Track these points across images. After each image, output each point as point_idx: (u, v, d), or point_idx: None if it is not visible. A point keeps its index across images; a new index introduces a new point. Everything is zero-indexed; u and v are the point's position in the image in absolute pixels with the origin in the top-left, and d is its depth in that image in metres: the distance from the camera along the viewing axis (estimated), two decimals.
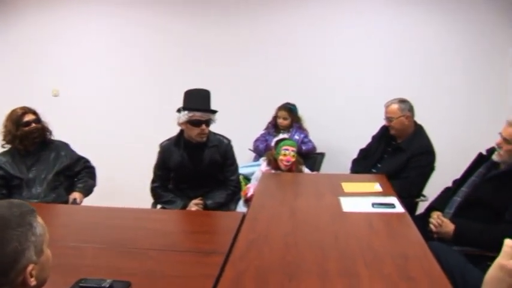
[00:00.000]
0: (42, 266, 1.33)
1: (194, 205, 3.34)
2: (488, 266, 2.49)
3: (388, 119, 3.76)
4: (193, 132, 3.33)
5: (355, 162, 4.11)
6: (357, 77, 4.81)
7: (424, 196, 3.75)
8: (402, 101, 3.74)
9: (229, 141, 3.53)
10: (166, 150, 3.46)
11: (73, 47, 5.23)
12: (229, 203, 3.51)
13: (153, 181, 3.52)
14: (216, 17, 4.94)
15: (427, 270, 1.93)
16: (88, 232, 2.46)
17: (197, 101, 3.31)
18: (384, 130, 3.93)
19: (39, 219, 1.36)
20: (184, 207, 3.34)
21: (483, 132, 4.54)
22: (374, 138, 4.05)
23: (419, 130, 3.78)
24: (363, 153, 4.09)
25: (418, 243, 2.24)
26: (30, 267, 1.26)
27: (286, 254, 2.08)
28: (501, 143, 2.82)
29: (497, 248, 2.62)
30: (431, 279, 1.84)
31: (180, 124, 3.35)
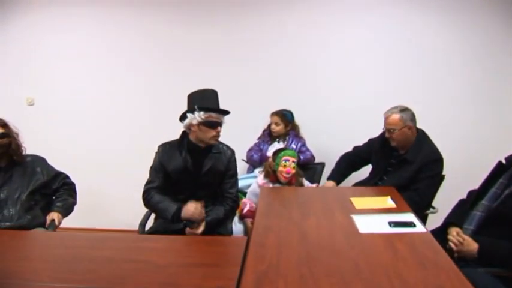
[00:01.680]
0: None
1: (194, 208, 2.92)
2: None
3: (389, 130, 3.44)
4: (207, 135, 3.05)
5: (343, 157, 3.88)
6: (356, 81, 4.53)
7: (433, 208, 3.50)
8: (403, 110, 3.43)
9: (233, 151, 3.27)
10: (166, 152, 3.15)
11: (50, 53, 4.85)
12: (227, 220, 3.20)
13: (149, 182, 3.14)
14: (205, 18, 4.61)
15: None
16: (67, 268, 2.09)
17: (212, 102, 3.06)
18: (384, 140, 3.63)
19: None
20: (179, 211, 2.93)
21: (489, 138, 4.36)
22: (372, 142, 3.76)
23: (422, 137, 3.50)
24: (356, 154, 3.84)
25: (452, 271, 1.96)
26: None
27: None
28: None
29: None
30: None
31: (190, 126, 3.06)
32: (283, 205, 2.96)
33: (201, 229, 2.94)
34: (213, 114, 3.01)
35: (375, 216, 2.64)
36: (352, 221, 2.55)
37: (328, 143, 4.43)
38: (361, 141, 3.86)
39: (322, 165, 4.22)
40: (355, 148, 3.85)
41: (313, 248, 2.20)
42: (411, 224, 2.50)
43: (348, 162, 3.82)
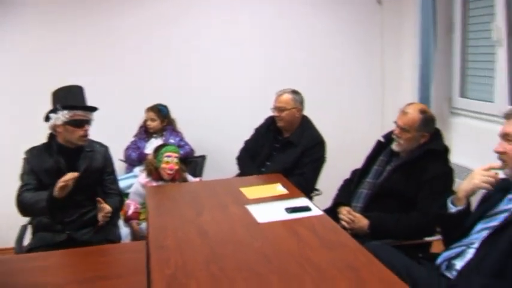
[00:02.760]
0: None
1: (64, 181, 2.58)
2: (420, 257, 2.38)
3: (279, 108, 3.46)
4: (74, 135, 2.77)
5: (242, 157, 3.73)
6: (233, 72, 4.44)
7: (317, 190, 3.57)
8: (295, 92, 3.51)
9: (106, 148, 3.03)
10: (35, 156, 2.81)
11: None
12: (115, 214, 2.95)
13: (22, 186, 2.77)
14: (72, 15, 4.16)
15: (383, 280, 1.71)
16: None
17: (76, 99, 2.79)
18: (269, 123, 3.64)
19: None
20: (52, 192, 2.61)
21: (365, 118, 4.59)
22: (258, 131, 3.73)
23: (306, 122, 3.57)
24: (250, 148, 3.74)
25: (357, 249, 2.01)
26: None
27: None
28: (399, 133, 2.74)
29: (414, 236, 2.56)
30: None
31: (55, 127, 2.76)
32: (173, 203, 2.81)
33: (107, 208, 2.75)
34: (79, 112, 2.75)
35: (270, 204, 2.61)
36: (248, 212, 2.49)
37: (206, 134, 4.30)
38: (238, 129, 3.81)
39: (203, 157, 4.12)
40: (246, 142, 3.75)
41: (216, 244, 2.10)
42: (307, 208, 2.52)
43: (250, 159, 3.69)
